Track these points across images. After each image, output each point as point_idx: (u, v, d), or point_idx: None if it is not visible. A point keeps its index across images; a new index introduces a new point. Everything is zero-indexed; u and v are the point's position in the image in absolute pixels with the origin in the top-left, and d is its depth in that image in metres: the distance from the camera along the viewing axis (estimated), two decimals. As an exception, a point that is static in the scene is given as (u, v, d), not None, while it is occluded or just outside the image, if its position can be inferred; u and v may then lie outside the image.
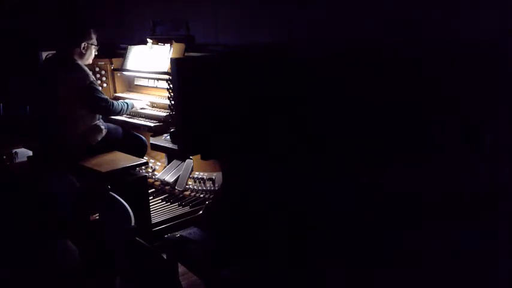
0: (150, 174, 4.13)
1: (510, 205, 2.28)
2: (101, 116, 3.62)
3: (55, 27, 4.46)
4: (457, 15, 2.54)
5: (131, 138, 3.78)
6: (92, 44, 3.59)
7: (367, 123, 2.93)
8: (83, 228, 2.72)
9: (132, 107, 3.69)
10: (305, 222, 2.64)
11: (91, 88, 3.44)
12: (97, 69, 4.06)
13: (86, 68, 3.52)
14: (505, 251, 2.23)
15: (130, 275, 2.08)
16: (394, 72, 2.80)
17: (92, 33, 3.60)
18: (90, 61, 3.67)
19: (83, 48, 3.54)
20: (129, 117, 3.78)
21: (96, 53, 3.71)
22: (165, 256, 2.65)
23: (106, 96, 3.55)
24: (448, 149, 2.56)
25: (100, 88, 3.59)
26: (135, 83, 4.17)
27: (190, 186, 3.81)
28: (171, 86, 3.18)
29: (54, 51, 3.66)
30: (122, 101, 3.67)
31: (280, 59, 3.26)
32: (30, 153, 4.04)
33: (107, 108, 3.51)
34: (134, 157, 3.48)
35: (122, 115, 3.66)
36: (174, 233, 2.76)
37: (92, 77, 3.51)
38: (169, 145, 3.12)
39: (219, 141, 2.93)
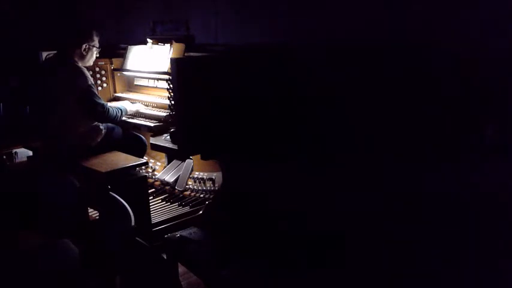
0: (150, 174, 4.13)
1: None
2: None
3: (56, 27, 4.47)
4: (456, 14, 2.54)
5: (131, 138, 3.78)
6: (93, 46, 3.57)
7: (368, 123, 2.93)
8: (83, 228, 2.71)
9: (126, 112, 3.67)
10: (305, 222, 2.64)
11: (89, 91, 3.42)
12: (97, 69, 4.06)
13: (86, 71, 3.51)
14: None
15: (130, 275, 2.08)
16: (394, 72, 2.80)
17: (94, 35, 3.58)
18: (90, 63, 3.66)
19: (84, 49, 3.53)
20: (129, 117, 3.77)
21: (98, 55, 3.70)
22: (165, 256, 2.65)
23: (103, 102, 3.51)
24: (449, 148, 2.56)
25: (98, 92, 3.57)
26: (135, 83, 4.17)
27: (190, 186, 3.81)
28: (171, 86, 3.18)
29: (55, 52, 3.66)
30: (116, 106, 3.63)
31: (280, 59, 3.25)
32: (30, 153, 4.04)
33: (103, 114, 3.46)
34: (134, 157, 3.48)
35: (115, 121, 3.62)
36: (174, 233, 2.76)
37: (91, 80, 3.48)
38: (169, 145, 3.11)
39: (219, 141, 2.93)
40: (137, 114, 3.78)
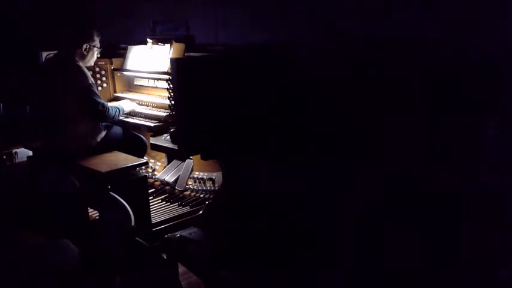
0: (150, 174, 4.13)
1: None
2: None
3: (56, 27, 4.46)
4: (456, 13, 2.54)
5: (131, 138, 3.78)
6: (94, 46, 3.58)
7: (367, 123, 2.93)
8: (83, 228, 2.72)
9: (123, 111, 3.68)
10: (305, 222, 2.64)
11: (89, 91, 3.43)
12: (97, 69, 4.06)
13: (86, 70, 3.52)
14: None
15: (130, 275, 2.08)
16: (394, 71, 2.80)
17: (95, 35, 3.59)
18: (91, 63, 3.67)
19: (85, 49, 3.54)
20: (129, 117, 3.78)
21: (99, 56, 3.70)
22: (165, 256, 2.65)
23: (103, 101, 3.53)
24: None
25: (98, 92, 3.57)
26: (135, 83, 4.17)
27: (190, 186, 3.81)
28: (171, 86, 3.18)
29: (55, 52, 3.66)
30: (114, 106, 3.64)
31: (280, 59, 3.25)
32: (30, 153, 4.04)
33: (103, 113, 3.47)
34: (134, 157, 3.48)
35: (114, 120, 3.63)
36: (174, 233, 2.76)
37: (92, 80, 3.50)
38: (169, 145, 3.12)
39: (219, 141, 2.93)
40: (137, 114, 3.78)
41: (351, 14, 3.06)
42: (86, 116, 3.47)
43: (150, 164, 4.19)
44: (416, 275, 2.26)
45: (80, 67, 3.49)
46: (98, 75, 4.09)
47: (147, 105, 3.87)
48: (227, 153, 2.98)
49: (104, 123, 3.61)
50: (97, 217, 3.26)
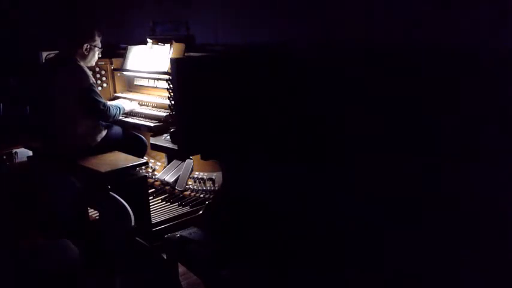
0: (150, 174, 4.13)
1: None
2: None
3: (56, 27, 4.47)
4: (457, 15, 2.54)
5: (131, 138, 3.78)
6: (95, 46, 3.58)
7: (366, 123, 2.93)
8: (83, 228, 2.72)
9: (124, 110, 3.69)
10: (305, 222, 2.64)
11: (91, 90, 3.43)
12: (97, 69, 4.06)
13: (87, 70, 3.52)
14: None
15: (130, 275, 2.08)
16: (393, 71, 2.80)
17: (96, 35, 3.59)
18: (92, 63, 3.67)
19: (85, 49, 3.53)
20: (129, 117, 3.78)
21: (100, 56, 3.70)
22: (165, 256, 2.66)
23: (104, 101, 3.53)
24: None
25: (99, 92, 3.58)
26: (135, 83, 4.17)
27: (190, 186, 3.81)
28: (171, 86, 3.18)
29: (55, 52, 3.65)
30: (115, 105, 3.64)
31: (280, 59, 3.26)
32: (30, 153, 4.04)
33: (104, 113, 3.48)
34: (134, 157, 3.48)
35: (115, 119, 3.63)
36: (174, 233, 2.77)
37: (92, 80, 3.50)
38: (169, 145, 3.12)
39: (219, 141, 2.93)
40: (137, 114, 3.78)
41: (348, 15, 3.06)
42: (86, 116, 3.47)
43: (150, 164, 4.19)
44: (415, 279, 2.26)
45: (80, 67, 3.49)
46: (98, 75, 4.09)
47: (147, 105, 3.87)
48: (227, 153, 2.98)
49: (104, 123, 3.61)
50: (97, 217, 3.26)
